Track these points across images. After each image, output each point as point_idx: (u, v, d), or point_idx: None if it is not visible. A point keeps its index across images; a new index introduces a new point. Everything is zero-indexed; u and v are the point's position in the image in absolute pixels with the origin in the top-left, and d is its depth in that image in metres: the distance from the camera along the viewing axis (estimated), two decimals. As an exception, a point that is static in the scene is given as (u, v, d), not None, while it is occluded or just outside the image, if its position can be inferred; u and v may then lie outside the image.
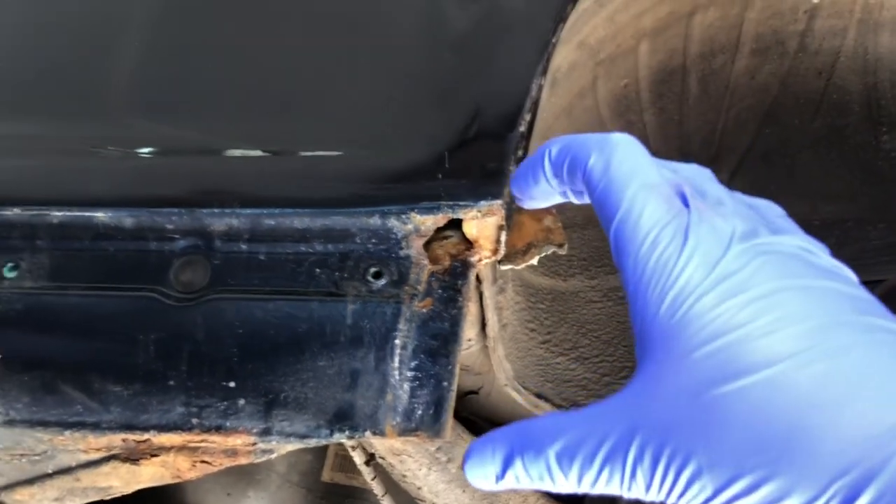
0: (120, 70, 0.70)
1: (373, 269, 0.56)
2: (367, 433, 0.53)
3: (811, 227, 0.43)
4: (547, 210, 0.59)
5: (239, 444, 0.55)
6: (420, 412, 0.53)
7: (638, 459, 0.33)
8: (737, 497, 0.30)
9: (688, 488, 0.31)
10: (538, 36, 0.64)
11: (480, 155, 0.57)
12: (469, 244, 0.56)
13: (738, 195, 0.40)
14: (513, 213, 0.58)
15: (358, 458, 0.92)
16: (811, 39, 1.07)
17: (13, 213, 0.59)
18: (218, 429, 0.54)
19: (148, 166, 0.63)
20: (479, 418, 0.97)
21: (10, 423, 0.56)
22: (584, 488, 0.35)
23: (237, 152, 0.62)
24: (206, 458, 0.57)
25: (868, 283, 0.35)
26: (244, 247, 0.58)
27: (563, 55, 0.83)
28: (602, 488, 0.34)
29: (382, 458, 0.89)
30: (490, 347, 0.74)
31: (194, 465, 0.58)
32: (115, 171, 0.63)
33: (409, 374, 0.53)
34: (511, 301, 0.83)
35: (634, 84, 1.05)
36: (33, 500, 0.63)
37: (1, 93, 0.73)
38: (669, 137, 1.12)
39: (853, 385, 0.30)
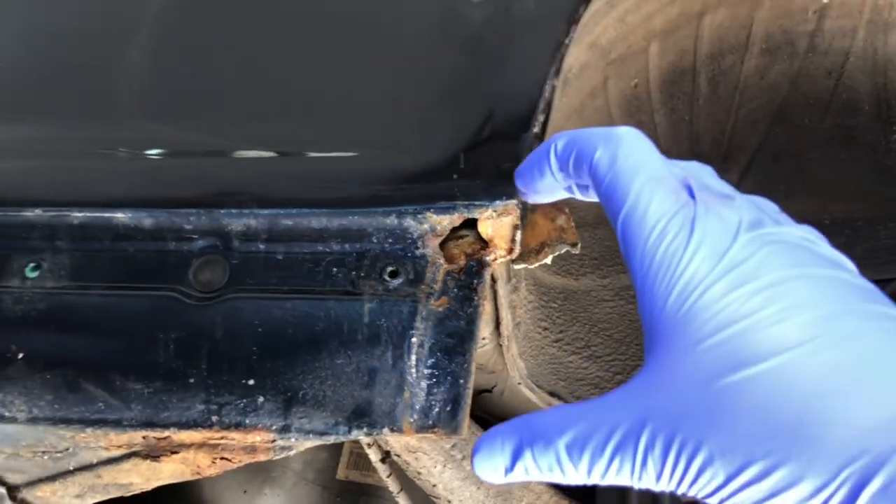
0: (130, 72, 0.71)
1: (389, 269, 0.57)
2: (385, 430, 0.53)
3: (821, 226, 0.44)
4: (560, 209, 0.59)
5: (258, 441, 0.55)
6: (437, 409, 0.53)
7: (649, 448, 0.33)
8: (748, 484, 0.30)
9: (699, 476, 0.31)
10: (551, 37, 0.64)
11: (495, 155, 0.58)
12: (484, 243, 0.57)
13: (737, 191, 0.40)
14: (526, 212, 0.58)
15: (373, 456, 0.93)
16: (821, 39, 1.07)
17: (34, 213, 0.60)
18: (237, 426, 0.55)
19: (157, 167, 0.63)
20: (492, 416, 0.97)
21: (34, 420, 0.56)
22: (595, 479, 0.35)
23: (251, 153, 0.63)
24: (226, 455, 0.58)
25: (879, 282, 0.35)
26: (262, 247, 0.58)
27: (575, 56, 0.84)
28: (612, 479, 0.34)
29: (398, 456, 0.89)
30: (504, 346, 0.74)
31: (214, 462, 0.59)
32: (127, 172, 0.63)
33: (426, 371, 0.54)
34: (524, 300, 0.84)
35: (645, 84, 1.06)
36: (55, 496, 0.64)
37: (6, 95, 0.73)
38: (680, 137, 1.13)
39: (862, 372, 0.30)
